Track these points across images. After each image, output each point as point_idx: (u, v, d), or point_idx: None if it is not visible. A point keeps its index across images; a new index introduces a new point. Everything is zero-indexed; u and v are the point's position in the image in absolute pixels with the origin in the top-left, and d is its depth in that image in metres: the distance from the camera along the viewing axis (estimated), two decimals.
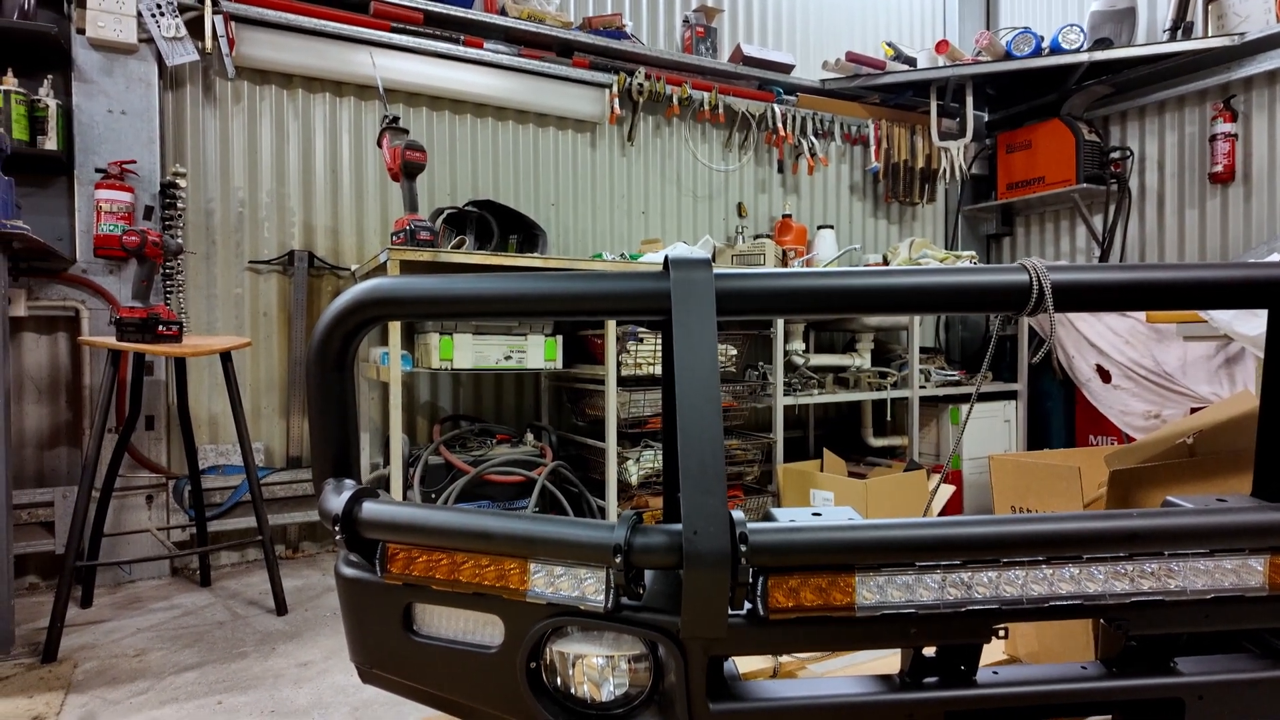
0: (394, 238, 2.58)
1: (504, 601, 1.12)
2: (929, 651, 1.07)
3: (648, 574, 1.10)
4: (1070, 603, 1.00)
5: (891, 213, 5.20)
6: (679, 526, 0.96)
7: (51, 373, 2.81)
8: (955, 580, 1.00)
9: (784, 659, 1.71)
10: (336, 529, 1.14)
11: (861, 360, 4.04)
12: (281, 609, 2.44)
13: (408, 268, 2.58)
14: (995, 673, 1.07)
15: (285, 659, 2.09)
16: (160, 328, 2.28)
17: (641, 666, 1.09)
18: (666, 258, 1.03)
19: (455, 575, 1.17)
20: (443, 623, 1.25)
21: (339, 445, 1.27)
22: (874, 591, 1.02)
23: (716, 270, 1.08)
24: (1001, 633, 0.99)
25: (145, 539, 2.82)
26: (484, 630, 1.20)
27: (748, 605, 1.02)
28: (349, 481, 1.24)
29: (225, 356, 2.46)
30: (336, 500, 1.17)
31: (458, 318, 1.20)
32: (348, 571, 1.24)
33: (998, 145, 5.31)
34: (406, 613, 1.20)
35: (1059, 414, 4.60)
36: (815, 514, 1.16)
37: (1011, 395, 4.33)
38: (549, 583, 1.13)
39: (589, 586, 1.09)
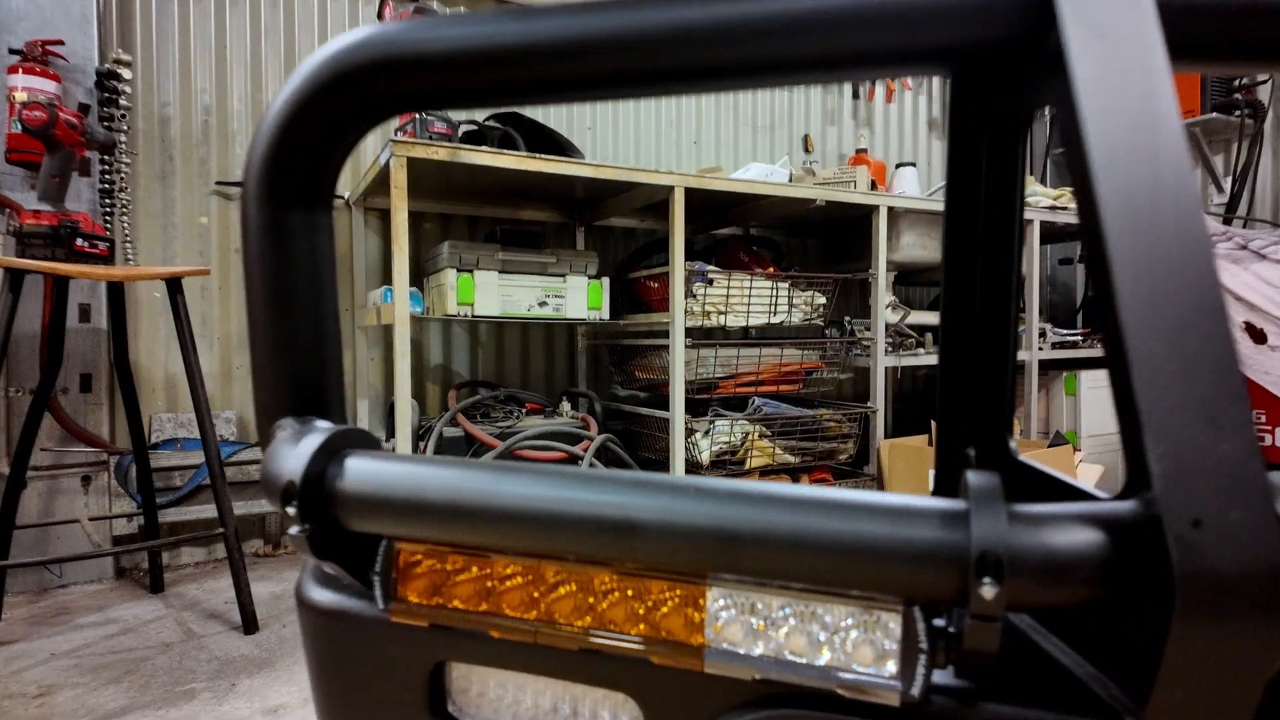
0: (398, 132, 2.00)
1: (648, 670, 0.51)
2: None
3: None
4: None
5: None
6: (1120, 506, 0.34)
7: None
8: None
9: None
10: (291, 511, 0.56)
11: None
12: (250, 625, 1.88)
13: (418, 173, 2.00)
14: None
15: (247, 701, 1.53)
16: (79, 242, 1.70)
17: None
18: None
19: (543, 611, 0.58)
20: (508, 701, 0.66)
21: (304, 354, 0.68)
22: None
23: None
24: None
25: (82, 532, 2.26)
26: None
27: None
28: (322, 424, 0.65)
29: (174, 287, 1.89)
30: (293, 455, 0.59)
31: (548, 99, 0.60)
32: (319, 596, 0.66)
33: None
34: (435, 680, 0.60)
35: None
36: None
37: None
38: (754, 634, 0.54)
39: (861, 648, 0.49)
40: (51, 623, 1.96)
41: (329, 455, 0.57)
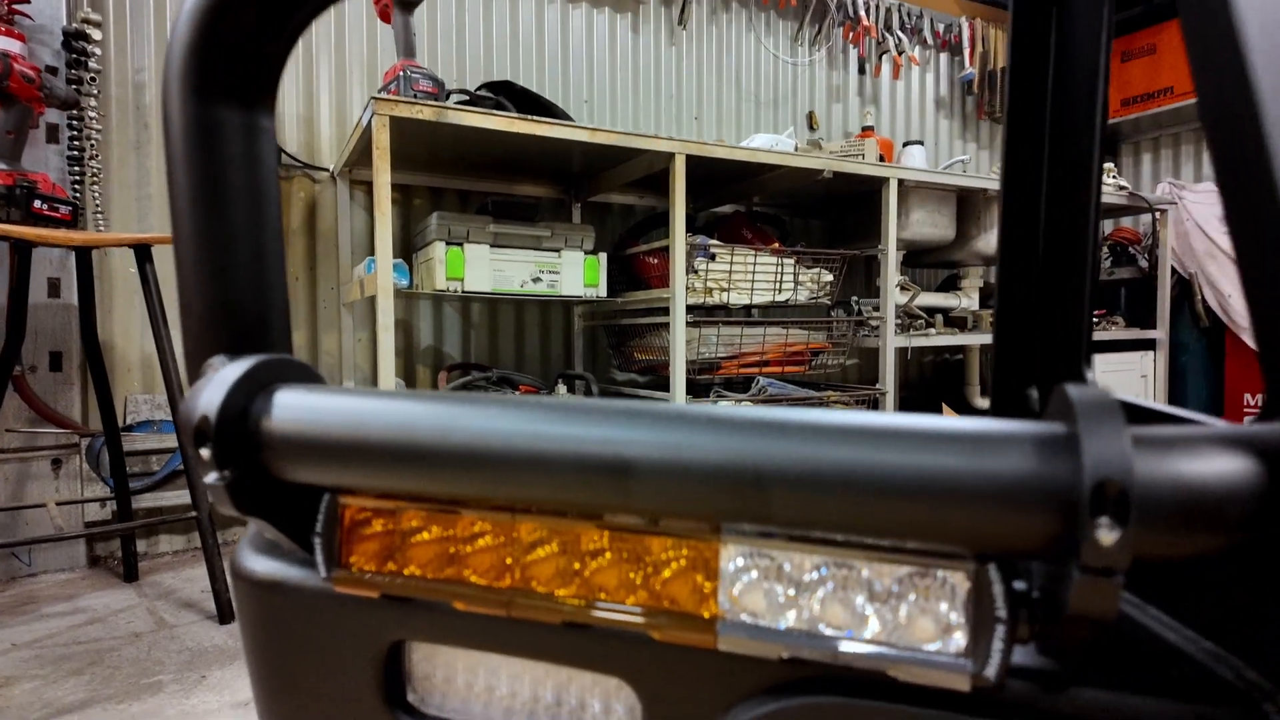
0: (383, 91, 1.89)
1: (647, 649, 0.37)
2: None
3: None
4: None
5: (982, 135, 4.48)
6: (1272, 428, 0.33)
7: None
8: None
9: None
10: (205, 453, 0.45)
11: (969, 300, 3.35)
12: (225, 615, 1.79)
13: (401, 130, 1.89)
14: None
15: (215, 694, 1.43)
16: (38, 204, 1.60)
17: None
18: None
19: (518, 578, 0.45)
20: (479, 688, 0.54)
21: (240, 281, 0.58)
22: None
23: None
24: None
25: (54, 519, 2.16)
26: (587, 712, 0.51)
27: None
28: (254, 359, 0.53)
29: (143, 255, 1.78)
30: (210, 387, 0.47)
31: None
32: (255, 565, 0.56)
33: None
34: (392, 663, 0.47)
35: (1197, 369, 3.91)
36: None
37: (1148, 345, 3.63)
38: (780, 602, 0.41)
39: (918, 619, 0.37)
40: (16, 612, 1.87)
41: (255, 388, 0.47)
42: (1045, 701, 0.37)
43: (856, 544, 0.38)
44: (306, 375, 0.50)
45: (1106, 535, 0.30)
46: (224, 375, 0.46)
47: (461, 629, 0.48)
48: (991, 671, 0.36)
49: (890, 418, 0.36)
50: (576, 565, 0.45)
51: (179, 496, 2.38)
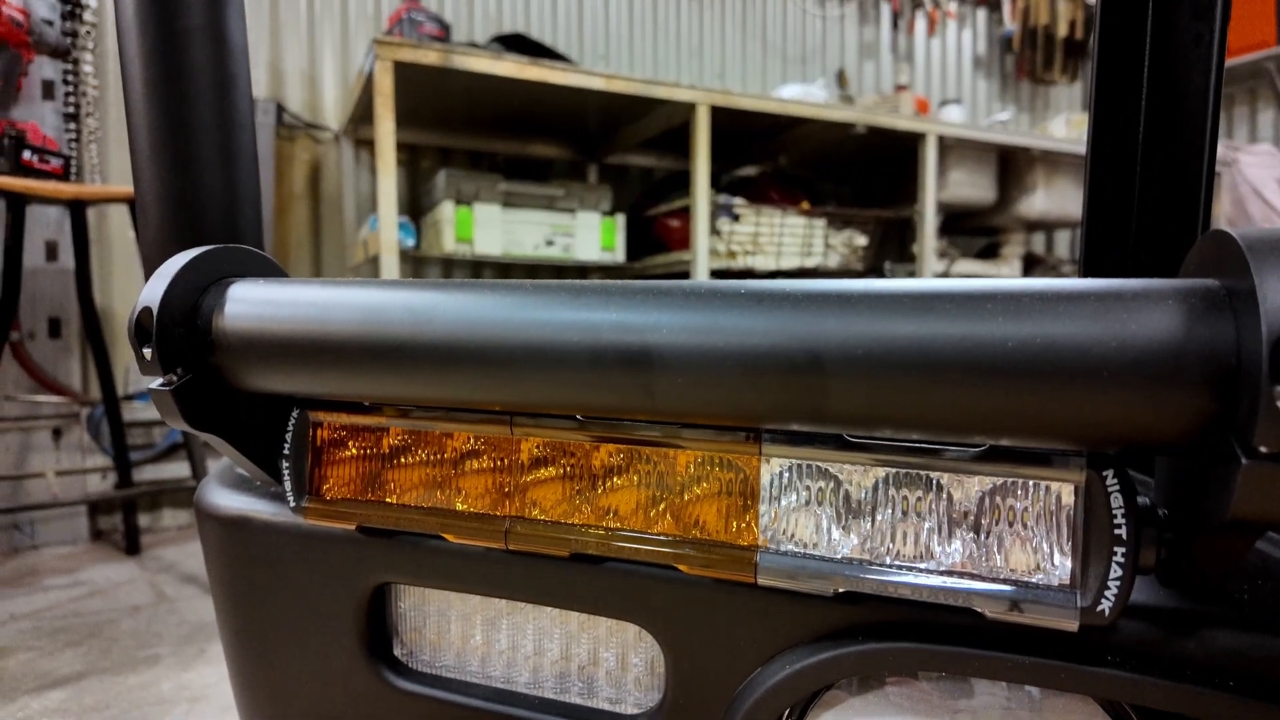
0: (386, 35, 1.82)
1: (672, 589, 0.29)
2: None
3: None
4: None
5: (1022, 96, 4.34)
6: None
7: None
8: None
9: None
10: (147, 353, 0.37)
11: (1010, 269, 3.24)
12: None
13: (406, 77, 1.83)
14: None
15: (213, 668, 1.40)
16: (27, 155, 1.56)
17: None
18: None
19: (518, 504, 0.37)
20: (477, 642, 0.46)
21: (203, 169, 0.51)
22: None
23: None
24: None
25: (51, 488, 2.15)
26: (601, 667, 0.43)
27: None
28: (205, 248, 0.46)
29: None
30: (154, 281, 0.39)
31: None
32: (221, 500, 0.48)
33: None
34: (375, 611, 0.40)
35: None
36: None
37: None
38: (835, 525, 0.32)
39: (1012, 544, 0.28)
40: (17, 584, 1.85)
41: (206, 280, 0.41)
42: (1172, 646, 0.30)
43: (933, 447, 0.32)
44: (269, 268, 0.44)
45: None
46: (169, 266, 0.40)
47: (452, 569, 0.42)
48: (1107, 607, 0.29)
49: (983, 282, 0.29)
50: (585, 487, 0.39)
51: (181, 469, 2.35)
